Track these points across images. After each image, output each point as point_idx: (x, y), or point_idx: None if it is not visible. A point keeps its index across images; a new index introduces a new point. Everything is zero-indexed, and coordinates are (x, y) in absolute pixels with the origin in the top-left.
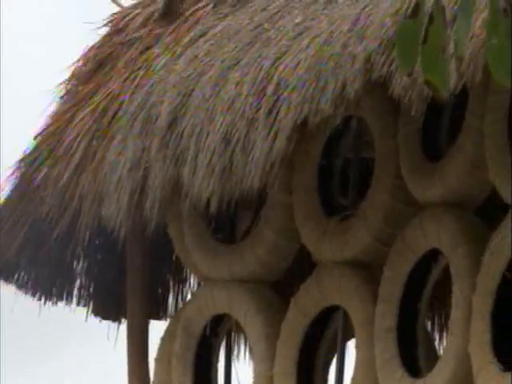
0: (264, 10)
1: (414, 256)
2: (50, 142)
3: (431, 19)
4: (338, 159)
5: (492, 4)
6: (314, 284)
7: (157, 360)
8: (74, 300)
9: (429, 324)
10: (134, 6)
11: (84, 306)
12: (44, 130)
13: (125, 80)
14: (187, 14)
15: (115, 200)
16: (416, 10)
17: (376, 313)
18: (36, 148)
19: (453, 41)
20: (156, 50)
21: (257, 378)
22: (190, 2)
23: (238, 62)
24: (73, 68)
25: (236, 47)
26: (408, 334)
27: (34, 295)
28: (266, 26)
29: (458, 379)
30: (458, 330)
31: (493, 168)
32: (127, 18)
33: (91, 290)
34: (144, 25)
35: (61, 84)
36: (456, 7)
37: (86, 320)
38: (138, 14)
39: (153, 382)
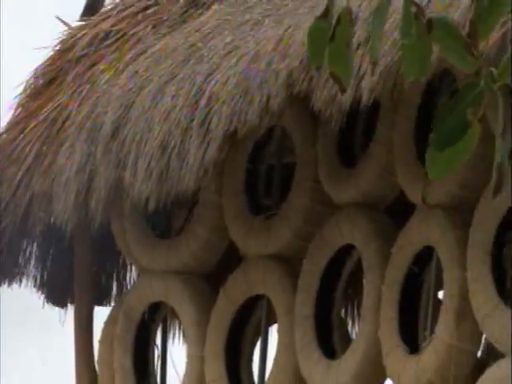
0: (197, 30)
1: (330, 251)
2: (6, 147)
3: (339, 20)
4: (262, 165)
5: (404, 8)
6: (241, 275)
7: (100, 342)
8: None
9: (343, 311)
10: (81, 27)
11: (39, 292)
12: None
13: (73, 93)
14: (130, 33)
15: (63, 199)
16: (326, 12)
17: (296, 302)
18: None
19: (367, 46)
20: (101, 67)
21: (189, 359)
22: (132, 23)
23: (174, 77)
24: (26, 84)
25: (172, 64)
26: (324, 320)
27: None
28: (199, 45)
29: (368, 361)
30: (369, 316)
31: (401, 173)
32: (75, 38)
33: (44, 278)
34: (90, 44)
35: (15, 97)
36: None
37: (43, 307)
38: (84, 35)
39: (97, 361)
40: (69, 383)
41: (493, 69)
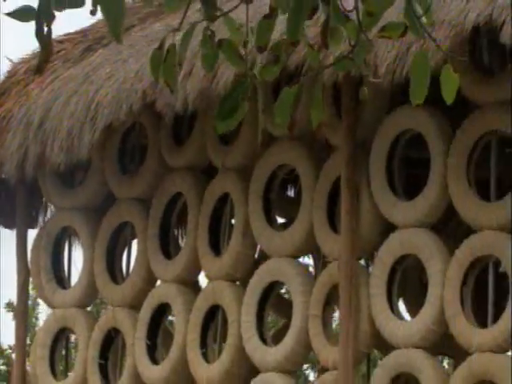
0: (89, 65)
1: (168, 196)
2: None
3: (168, 50)
4: (128, 144)
5: (204, 31)
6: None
7: (32, 250)
8: None
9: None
10: (20, 62)
11: None
12: None
13: (15, 102)
14: (49, 66)
15: (10, 161)
16: (160, 46)
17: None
18: None
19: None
20: (32, 86)
21: (84, 260)
22: (51, 60)
23: (76, 92)
24: None
25: (75, 84)
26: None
27: None
28: (90, 73)
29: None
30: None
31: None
32: (16, 69)
33: None
34: (25, 72)
35: None
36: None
37: None
38: (22, 67)
39: (29, 261)
40: (12, 277)
41: (255, 71)
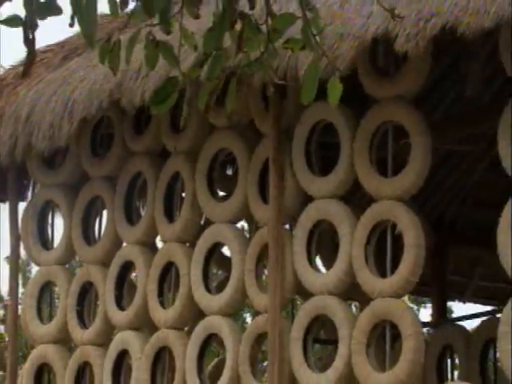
0: (67, 69)
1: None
2: None
3: (114, 44)
4: (98, 133)
5: (146, 37)
6: None
7: (22, 220)
8: None
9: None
10: (10, 69)
11: None
12: None
13: (6, 100)
14: (33, 71)
15: (3, 148)
16: (109, 39)
17: None
18: None
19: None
20: (21, 88)
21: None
22: (36, 66)
23: (56, 92)
24: None
25: (55, 85)
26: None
27: None
28: (68, 76)
29: None
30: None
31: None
32: (6, 73)
33: None
34: (14, 77)
35: None
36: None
37: None
38: (11, 72)
39: (20, 228)
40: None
41: (185, 71)
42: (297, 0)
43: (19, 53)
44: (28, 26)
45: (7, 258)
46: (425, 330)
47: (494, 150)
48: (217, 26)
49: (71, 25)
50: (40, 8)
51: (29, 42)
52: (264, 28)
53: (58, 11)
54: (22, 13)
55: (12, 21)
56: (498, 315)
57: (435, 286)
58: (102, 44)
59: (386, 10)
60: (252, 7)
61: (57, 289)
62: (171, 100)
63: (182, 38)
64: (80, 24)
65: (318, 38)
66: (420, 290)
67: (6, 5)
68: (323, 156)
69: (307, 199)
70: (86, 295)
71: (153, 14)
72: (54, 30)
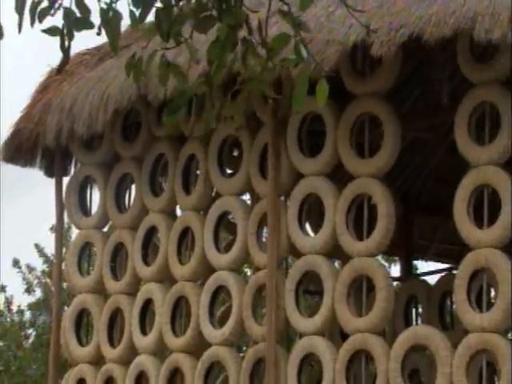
0: (103, 69)
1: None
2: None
3: (137, 61)
4: (128, 121)
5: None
6: None
7: (65, 191)
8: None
9: None
10: (55, 67)
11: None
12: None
13: (52, 95)
14: (75, 71)
15: (51, 132)
16: (133, 56)
17: None
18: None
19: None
20: (64, 84)
21: None
22: (78, 65)
23: (92, 89)
24: (32, 96)
25: (90, 84)
26: None
27: None
28: (102, 75)
29: None
30: None
31: None
32: (53, 72)
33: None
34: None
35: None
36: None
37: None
38: (59, 78)
39: (64, 198)
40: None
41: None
42: (289, 20)
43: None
44: (65, 35)
45: (51, 227)
46: (394, 283)
47: (451, 137)
48: (220, 39)
49: (98, 34)
50: (76, 22)
51: (64, 48)
52: (261, 48)
53: (90, 26)
54: (59, 24)
55: (52, 31)
56: (454, 272)
57: (403, 247)
58: (128, 60)
59: (362, 25)
60: (249, 33)
61: (94, 248)
62: (181, 113)
63: (190, 55)
64: (107, 34)
65: (308, 49)
66: (391, 251)
67: (48, 18)
68: (312, 141)
69: (299, 176)
70: (118, 254)
71: (166, 39)
72: (92, 36)
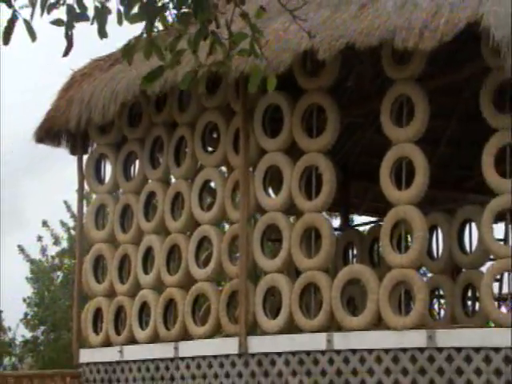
0: (113, 71)
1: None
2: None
3: (133, 46)
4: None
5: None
6: None
7: (85, 166)
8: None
9: None
10: (76, 70)
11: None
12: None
13: (74, 92)
14: (91, 74)
15: (77, 116)
16: (129, 42)
17: None
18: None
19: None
20: (84, 83)
21: None
22: (94, 69)
23: (119, 83)
24: (61, 89)
25: (103, 83)
26: None
27: None
28: (114, 76)
29: None
30: None
31: None
32: (74, 73)
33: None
34: (80, 75)
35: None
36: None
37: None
38: (77, 73)
39: (84, 174)
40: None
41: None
42: (247, 23)
43: (84, 59)
44: (68, 26)
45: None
46: (336, 232)
47: (378, 121)
48: (194, 38)
49: (92, 24)
50: (77, 16)
51: (68, 36)
52: (226, 42)
53: (87, 19)
54: (63, 17)
55: (57, 22)
56: (381, 223)
57: (342, 205)
58: (124, 46)
59: (305, 31)
60: (217, 27)
61: (107, 209)
62: (158, 81)
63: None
64: (97, 24)
65: (260, 49)
66: (333, 208)
67: (54, 12)
68: (273, 125)
69: (263, 152)
70: (126, 212)
71: (151, 25)
72: (104, 46)
